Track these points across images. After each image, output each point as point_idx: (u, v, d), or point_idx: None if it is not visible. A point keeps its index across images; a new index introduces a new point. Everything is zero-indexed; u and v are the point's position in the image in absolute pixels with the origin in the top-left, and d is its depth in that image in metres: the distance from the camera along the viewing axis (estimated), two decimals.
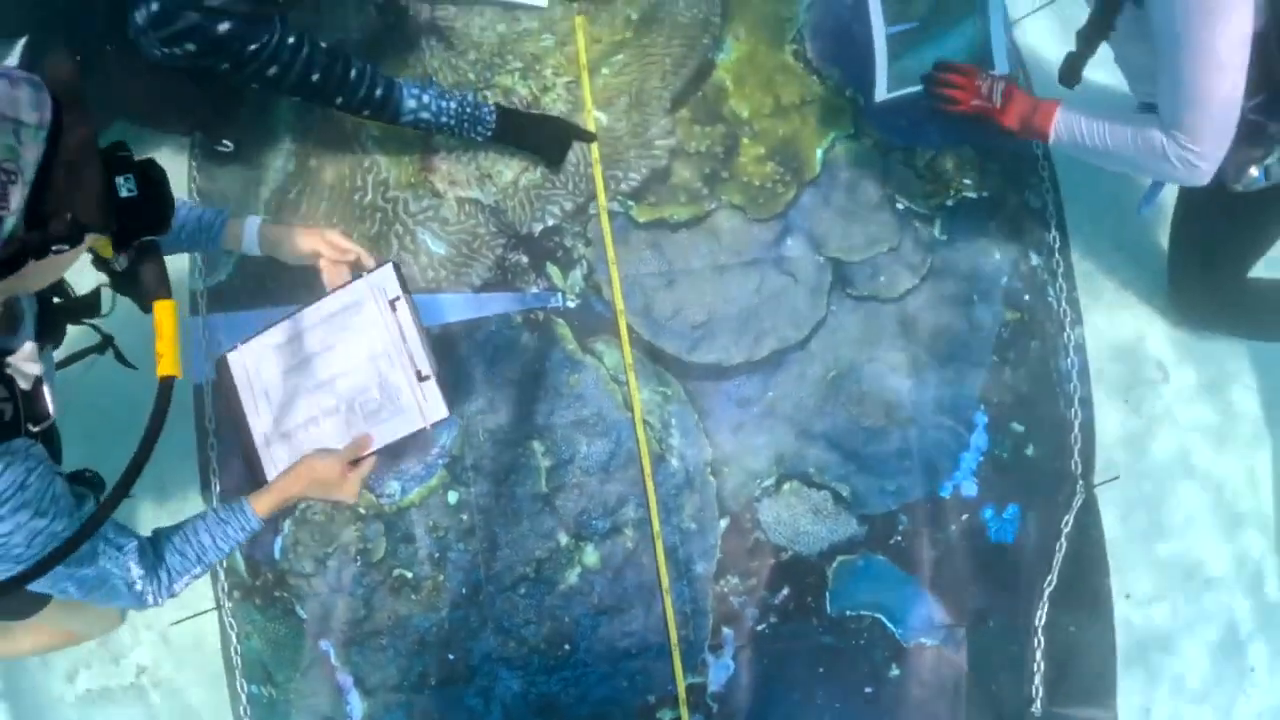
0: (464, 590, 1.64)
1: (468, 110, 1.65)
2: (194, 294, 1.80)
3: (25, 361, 0.95)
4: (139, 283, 0.93)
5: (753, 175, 1.77)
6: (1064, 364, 1.83)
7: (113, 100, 1.63)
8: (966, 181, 1.83)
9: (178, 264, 1.88)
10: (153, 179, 0.90)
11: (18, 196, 0.76)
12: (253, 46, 1.43)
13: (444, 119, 1.63)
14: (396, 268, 1.30)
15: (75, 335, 1.15)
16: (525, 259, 1.71)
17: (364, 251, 1.37)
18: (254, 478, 1.30)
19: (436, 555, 1.64)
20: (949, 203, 1.81)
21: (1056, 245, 1.88)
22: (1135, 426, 1.91)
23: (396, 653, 1.64)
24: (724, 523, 1.66)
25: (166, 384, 0.92)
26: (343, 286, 1.31)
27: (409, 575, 1.65)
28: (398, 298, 1.27)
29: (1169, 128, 1.33)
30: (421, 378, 1.25)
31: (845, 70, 1.85)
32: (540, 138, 1.70)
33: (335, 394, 1.28)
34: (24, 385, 0.93)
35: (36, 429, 0.96)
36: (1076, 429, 1.82)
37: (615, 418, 1.66)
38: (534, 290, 1.69)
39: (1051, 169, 1.91)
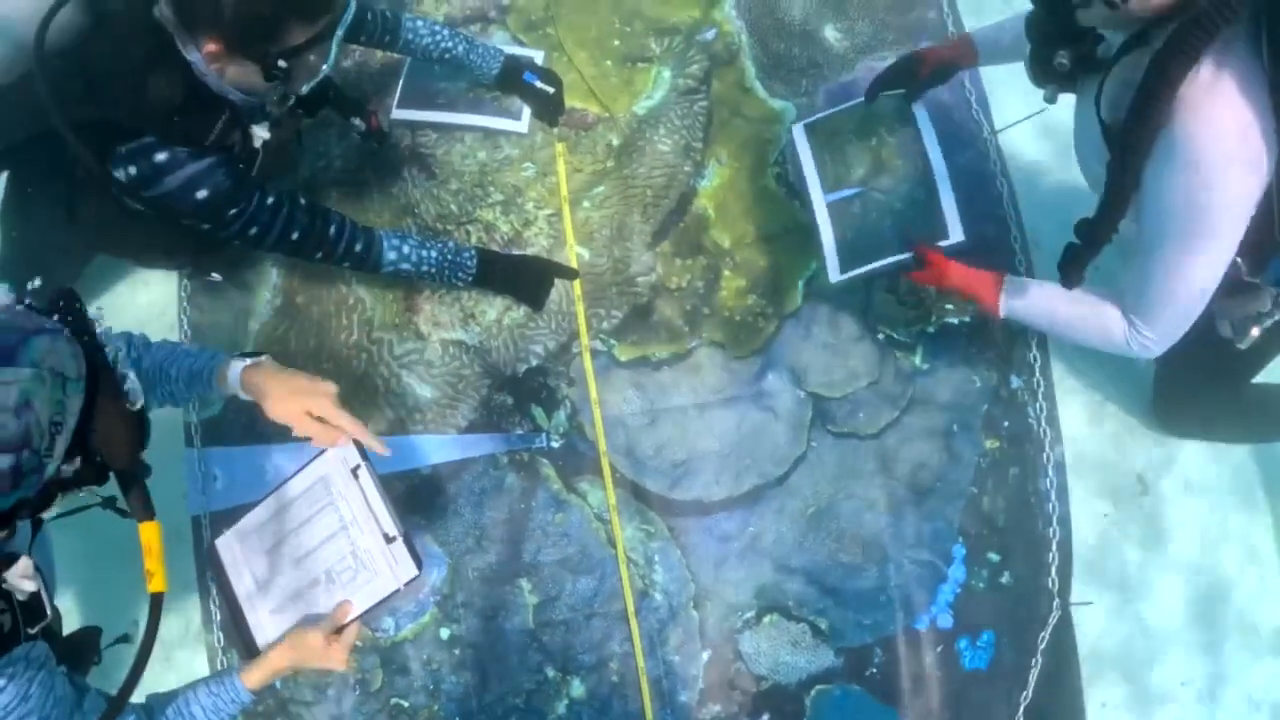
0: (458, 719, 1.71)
1: (448, 258, 1.66)
2: (189, 426, 1.84)
3: (21, 579, 0.99)
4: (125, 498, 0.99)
5: (734, 309, 1.78)
6: (1043, 484, 1.86)
7: (96, 240, 1.66)
8: (949, 306, 1.84)
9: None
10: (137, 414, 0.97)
11: (62, 445, 0.86)
12: (232, 210, 1.45)
13: (425, 268, 1.65)
14: (357, 443, 1.33)
15: None
16: (510, 400, 1.74)
17: (351, 423, 1.30)
18: (248, 650, 1.38)
19: (431, 687, 1.71)
20: (930, 329, 1.82)
21: (1038, 364, 1.89)
22: (1114, 539, 1.94)
23: None
24: (706, 654, 1.71)
25: (157, 599, 0.99)
26: (311, 461, 1.36)
27: (405, 704, 1.72)
28: (358, 466, 1.32)
29: (1129, 311, 1.32)
30: (389, 539, 1.31)
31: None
32: (522, 281, 1.72)
33: (316, 566, 1.36)
34: (21, 597, 0.99)
35: (35, 630, 1.01)
36: (1054, 547, 1.85)
37: (600, 555, 1.71)
38: (519, 431, 1.73)
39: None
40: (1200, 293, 1.24)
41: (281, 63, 1.30)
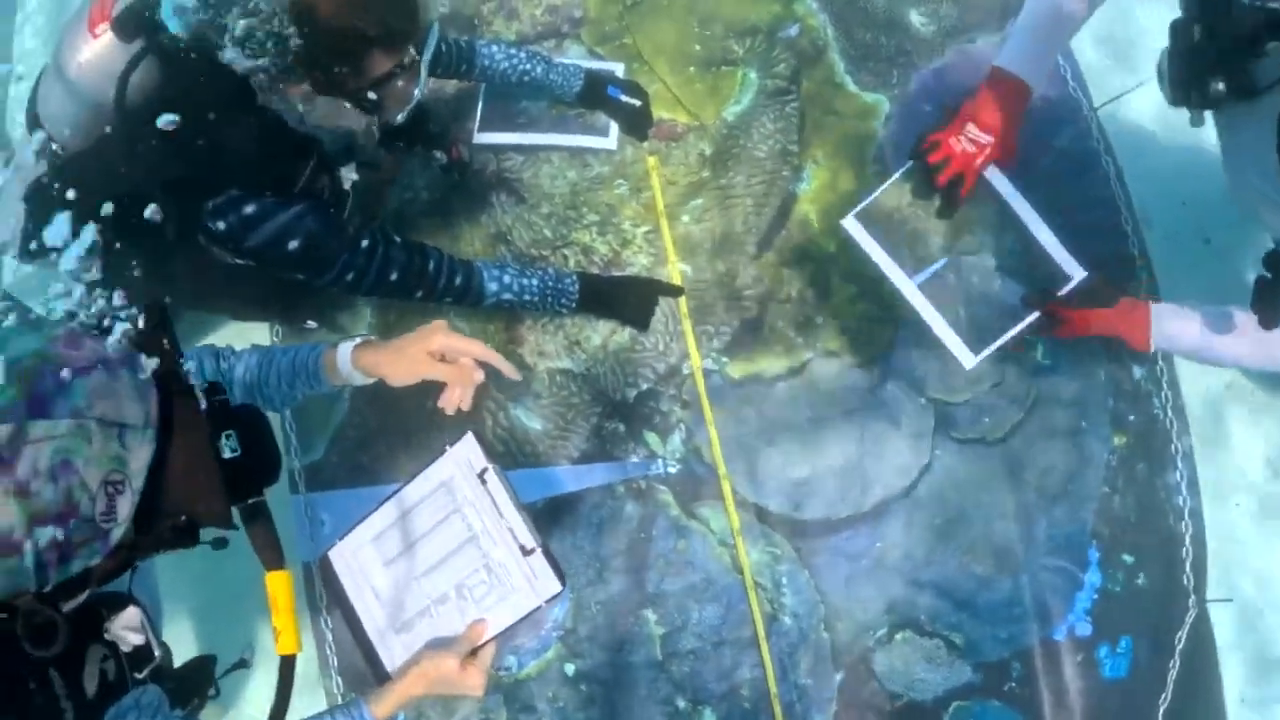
0: None
1: (549, 284, 1.61)
2: (291, 473, 1.81)
3: (126, 630, 0.90)
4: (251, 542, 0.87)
5: (847, 317, 1.71)
6: (1172, 477, 1.78)
7: (189, 297, 1.62)
8: None
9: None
10: (256, 430, 0.84)
11: (127, 506, 0.71)
12: (327, 257, 1.40)
13: (527, 297, 1.60)
14: (478, 436, 1.22)
15: None
16: (622, 427, 1.69)
17: (476, 346, 1.22)
18: (375, 674, 1.27)
19: None
20: (1112, 287, 1.74)
21: (1159, 352, 1.81)
22: (1246, 529, 1.87)
23: None
24: (839, 676, 1.66)
25: (288, 663, 0.89)
26: (430, 465, 1.24)
27: None
28: (485, 469, 1.19)
29: None
30: (526, 552, 1.18)
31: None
32: (626, 302, 1.66)
33: (443, 580, 1.23)
34: (126, 649, 0.90)
35: (143, 675, 0.92)
36: (1187, 542, 1.78)
37: (725, 581, 1.66)
38: (634, 459, 1.68)
39: (1150, 268, 1.83)
40: None
41: (371, 94, 1.25)
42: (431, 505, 1.23)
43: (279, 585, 0.85)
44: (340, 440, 1.75)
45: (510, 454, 1.68)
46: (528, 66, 1.68)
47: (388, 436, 1.73)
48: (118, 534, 0.71)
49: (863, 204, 1.62)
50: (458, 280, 1.52)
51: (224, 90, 1.24)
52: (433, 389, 1.68)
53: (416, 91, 1.30)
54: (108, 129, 1.29)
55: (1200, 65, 1.19)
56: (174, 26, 1.20)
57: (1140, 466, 1.74)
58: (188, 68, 1.24)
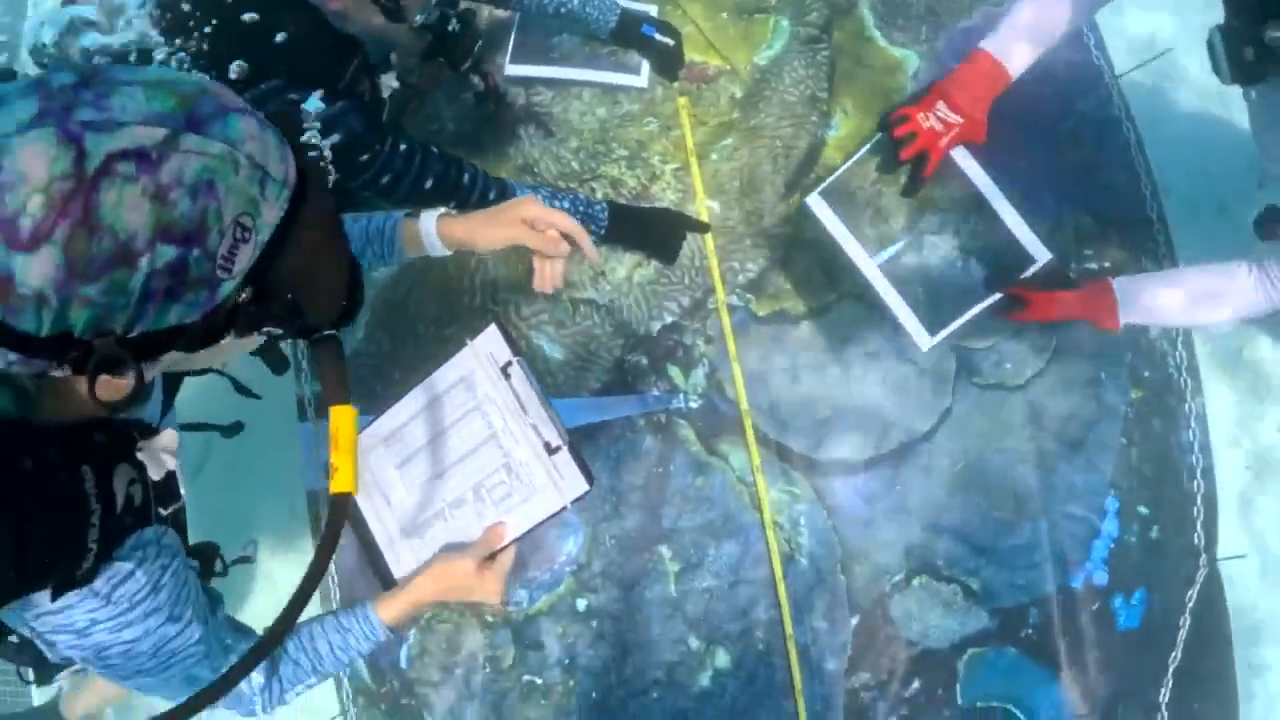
0: (595, 695, 1.63)
1: (580, 209, 1.60)
2: (300, 400, 1.77)
3: (164, 452, 0.84)
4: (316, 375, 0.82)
5: None
6: (1185, 436, 1.80)
7: None
8: (1087, 252, 1.78)
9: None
10: (355, 267, 0.79)
11: (245, 258, 0.65)
12: (365, 156, 1.38)
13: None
14: (502, 328, 1.16)
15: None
16: (645, 360, 1.67)
17: (567, 219, 1.14)
18: (384, 584, 1.20)
19: (567, 661, 1.63)
20: (1071, 275, 1.77)
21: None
22: (1258, 492, 1.88)
23: None
24: (855, 619, 1.64)
25: (341, 501, 0.81)
26: (447, 361, 1.18)
27: (539, 681, 1.64)
28: (509, 363, 1.13)
29: (1275, 273, 1.32)
30: (552, 450, 1.11)
31: None
32: (654, 233, 1.65)
33: (460, 482, 1.16)
34: (155, 476, 0.83)
35: (166, 512, 0.85)
36: (1199, 501, 1.79)
37: (744, 519, 1.64)
38: (655, 392, 1.66)
39: (1167, 232, 1.86)
40: None
41: None
42: (450, 403, 1.17)
43: (343, 420, 0.79)
44: (355, 367, 1.71)
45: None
46: None
47: (403, 364, 1.70)
48: (227, 289, 0.65)
49: (826, 182, 1.56)
50: (491, 195, 1.50)
51: None
52: (450, 315, 1.66)
53: None
54: None
55: (1251, 38, 1.22)
56: None
57: (1155, 422, 1.75)
58: None
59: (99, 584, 0.77)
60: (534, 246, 1.13)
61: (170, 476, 0.86)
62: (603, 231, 1.62)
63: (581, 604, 1.64)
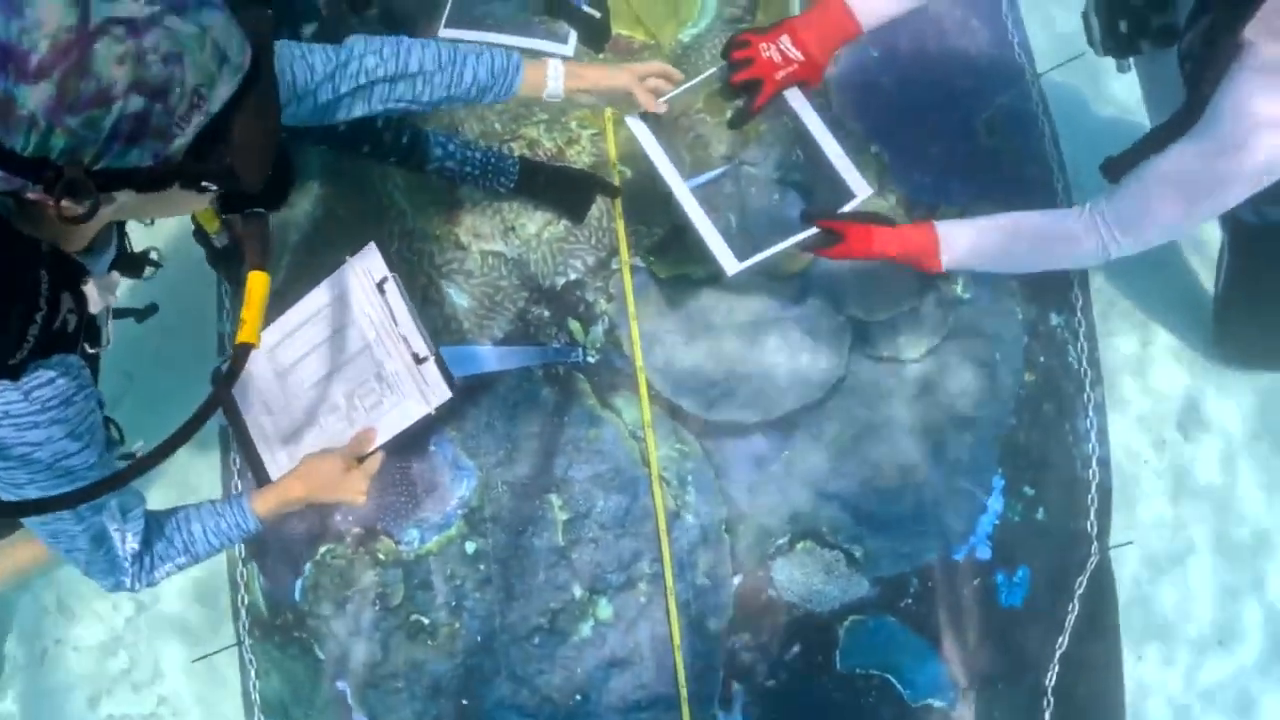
0: (479, 638, 1.66)
1: (492, 161, 1.67)
2: (221, 336, 1.83)
3: (105, 290, 0.95)
4: (235, 255, 0.96)
5: None
6: (1082, 424, 1.83)
7: None
8: None
9: (207, 307, 1.94)
10: (284, 159, 0.95)
11: (197, 121, 0.79)
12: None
13: (468, 169, 1.65)
14: (381, 246, 1.25)
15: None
16: (547, 313, 1.72)
17: (659, 67, 1.36)
18: (258, 483, 1.30)
19: (453, 603, 1.67)
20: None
21: (1079, 304, 1.87)
22: (1154, 486, 1.90)
23: (411, 696, 1.67)
24: (737, 580, 1.67)
25: (243, 349, 0.96)
26: (328, 276, 1.28)
27: (426, 621, 1.68)
28: (385, 279, 1.23)
29: (1110, 216, 1.30)
30: (419, 360, 1.21)
31: (870, 124, 1.84)
32: (563, 191, 1.71)
33: (334, 390, 1.25)
34: (92, 309, 0.94)
35: (91, 351, 0.97)
36: (1093, 490, 1.82)
37: (633, 473, 1.68)
38: (555, 345, 1.71)
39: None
40: (1199, 223, 1.25)
41: None
42: (328, 315, 1.26)
43: (257, 283, 0.95)
44: (272, 310, 1.78)
45: (437, 329, 1.69)
46: None
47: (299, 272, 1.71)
48: (179, 144, 0.79)
49: (665, 97, 1.46)
50: (404, 139, 1.57)
51: None
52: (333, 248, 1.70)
53: None
54: None
55: (1125, 10, 1.26)
56: None
57: (1047, 406, 1.79)
58: None
59: (24, 380, 0.88)
60: (640, 99, 1.36)
61: (101, 318, 0.97)
62: (512, 184, 1.68)
63: (470, 547, 1.68)
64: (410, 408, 1.22)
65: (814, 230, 1.42)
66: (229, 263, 1.01)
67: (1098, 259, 1.34)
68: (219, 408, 0.95)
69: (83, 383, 0.95)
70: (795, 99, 1.41)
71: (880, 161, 1.83)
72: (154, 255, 1.10)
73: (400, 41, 1.19)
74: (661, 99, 1.37)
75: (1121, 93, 2.04)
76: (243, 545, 1.76)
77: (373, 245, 1.27)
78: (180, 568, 1.15)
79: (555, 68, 1.26)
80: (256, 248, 0.96)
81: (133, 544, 1.07)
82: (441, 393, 1.22)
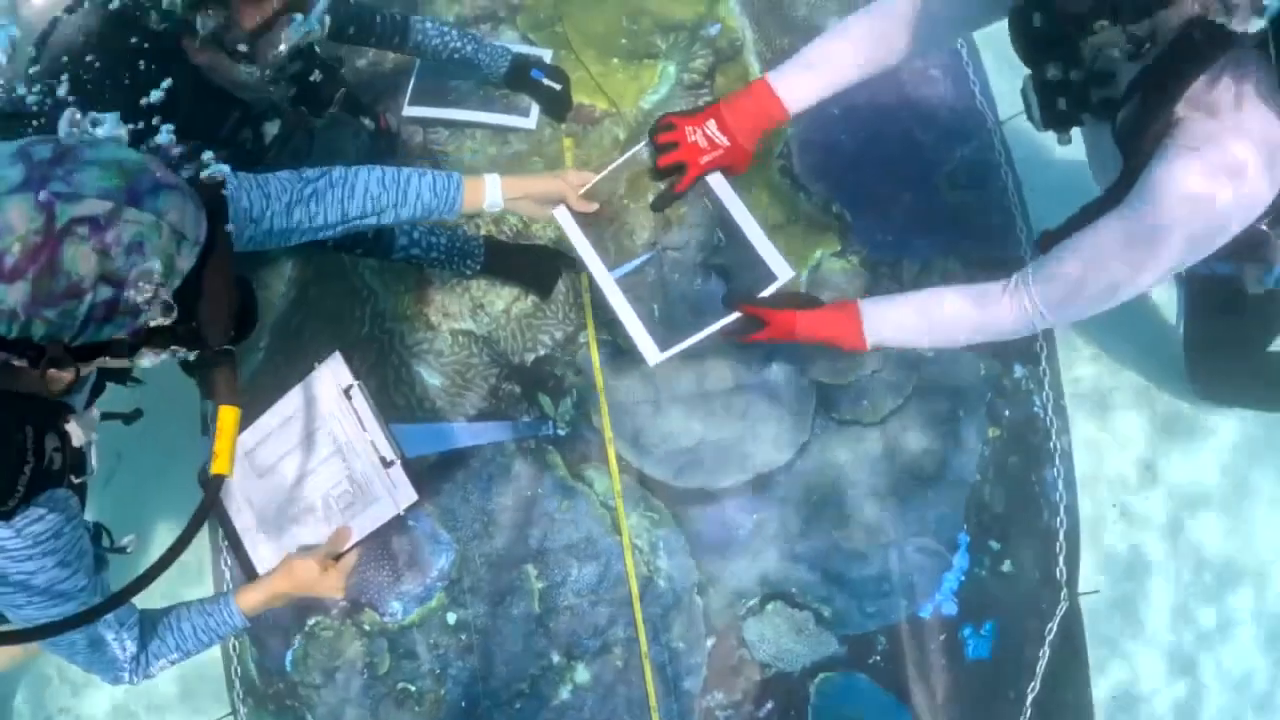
0: (464, 703, 1.73)
1: (457, 245, 1.71)
2: (204, 416, 1.89)
3: (86, 427, 1.04)
4: (208, 381, 1.01)
5: None
6: (1049, 473, 1.86)
7: None
8: None
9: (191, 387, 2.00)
10: (246, 295, 1.02)
11: (162, 299, 0.89)
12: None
13: (434, 254, 1.69)
14: (346, 356, 1.33)
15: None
16: (517, 388, 1.77)
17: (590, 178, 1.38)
18: (246, 575, 1.38)
19: (438, 671, 1.73)
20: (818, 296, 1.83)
21: (1044, 353, 1.89)
22: (1122, 530, 1.93)
23: None
24: (710, 641, 1.72)
25: (217, 480, 1.02)
26: (299, 383, 1.36)
27: (412, 689, 1.74)
28: (350, 386, 1.31)
29: (1035, 290, 1.26)
30: (386, 464, 1.29)
31: (832, 185, 1.87)
32: (528, 269, 1.75)
33: (311, 491, 1.34)
34: (76, 443, 1.03)
35: (77, 481, 1.05)
36: (1061, 537, 1.85)
37: (605, 542, 1.73)
38: (526, 419, 1.75)
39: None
40: (1124, 298, 1.23)
41: (241, 46, 1.34)
42: (301, 419, 1.33)
43: (227, 417, 1.01)
44: (255, 388, 1.83)
45: (410, 408, 1.76)
46: (458, 44, 1.78)
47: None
48: (147, 317, 0.89)
49: (589, 185, 1.46)
50: (369, 231, 1.61)
51: (156, 43, 1.34)
52: (341, 343, 1.76)
53: (282, 48, 1.37)
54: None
55: (1064, 88, 1.23)
56: None
57: (1013, 460, 1.82)
58: (121, 20, 1.34)
59: (16, 520, 0.98)
60: (571, 203, 1.40)
61: (83, 452, 1.05)
62: (479, 266, 1.72)
63: (451, 617, 1.74)
64: (380, 510, 1.30)
65: (736, 315, 1.38)
66: (197, 370, 1.07)
67: (1024, 331, 1.31)
68: (201, 527, 1.02)
69: (70, 514, 1.04)
70: (717, 182, 1.39)
71: (842, 221, 1.86)
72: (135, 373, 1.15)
73: (351, 169, 1.25)
74: (585, 187, 1.40)
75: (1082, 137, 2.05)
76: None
77: (338, 354, 1.33)
78: (174, 662, 1.23)
79: (493, 182, 1.31)
80: (225, 384, 1.01)
81: (131, 647, 1.17)
82: (408, 495, 1.28)
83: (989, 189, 1.95)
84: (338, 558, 1.31)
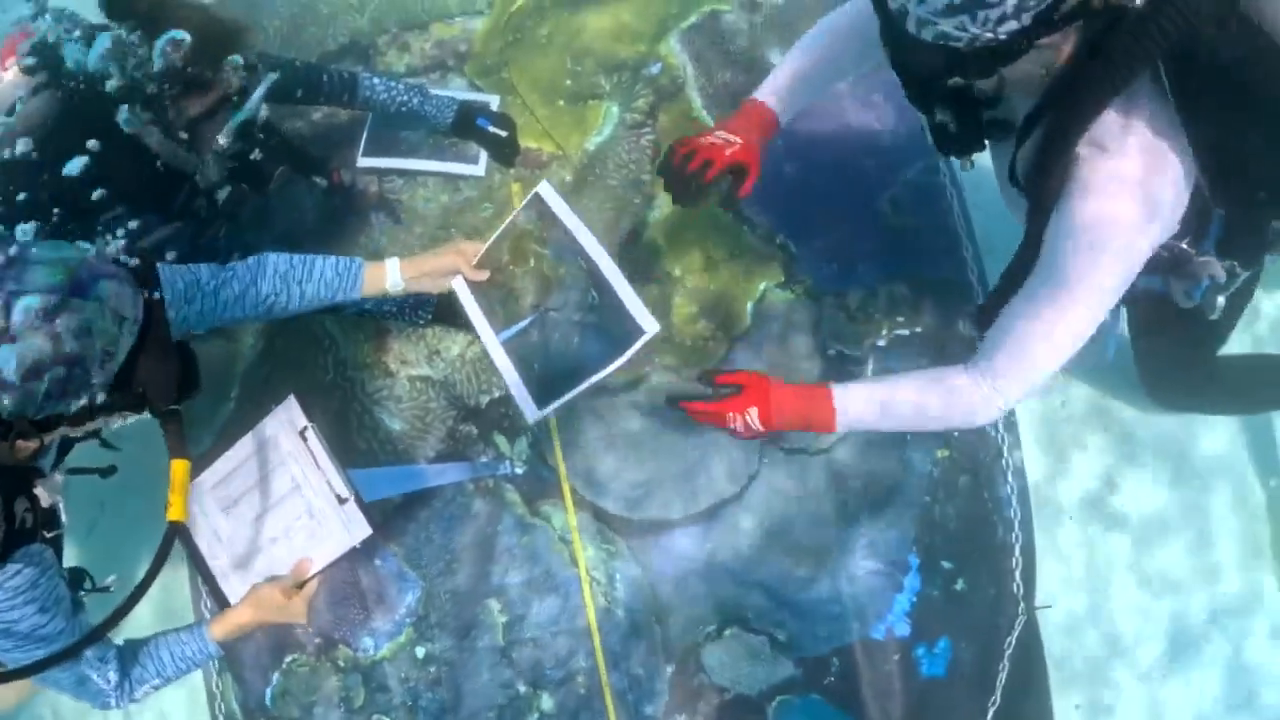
0: None
1: (410, 296, 1.76)
2: None
3: (50, 490, 1.18)
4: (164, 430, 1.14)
5: (685, 335, 1.84)
6: (1002, 490, 1.88)
7: None
8: (900, 319, 1.88)
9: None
10: (187, 360, 1.13)
11: (109, 372, 1.03)
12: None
13: (387, 306, 1.76)
14: (299, 399, 1.45)
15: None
16: (474, 430, 1.83)
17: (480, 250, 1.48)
18: (218, 605, 1.51)
19: (410, 703, 1.81)
20: (881, 342, 1.87)
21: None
22: (1078, 541, 1.95)
23: None
24: (670, 668, 1.78)
25: (173, 527, 1.15)
26: (258, 424, 1.48)
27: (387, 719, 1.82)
28: (305, 428, 1.43)
29: (986, 370, 1.27)
30: (341, 500, 1.41)
31: (774, 217, 1.91)
32: None
33: (273, 524, 1.46)
34: (44, 504, 1.17)
35: (50, 535, 1.20)
36: (1017, 552, 1.88)
37: (564, 575, 1.79)
38: (484, 459, 1.82)
39: (988, 294, 1.94)
40: (1071, 351, 1.22)
41: (183, 134, 1.45)
42: (262, 459, 1.46)
43: (179, 469, 1.13)
44: (229, 435, 1.91)
45: (373, 451, 1.83)
46: (405, 98, 1.84)
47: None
48: (97, 389, 1.03)
49: (479, 255, 1.53)
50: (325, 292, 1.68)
51: (112, 122, 1.42)
52: (306, 389, 1.83)
53: (222, 139, 1.46)
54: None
55: (930, 104, 1.20)
56: (92, 64, 1.37)
57: (964, 479, 1.85)
58: (84, 99, 1.42)
59: None
60: (466, 274, 1.50)
61: (54, 509, 1.20)
62: (430, 314, 1.79)
63: (420, 651, 1.81)
64: (337, 543, 1.41)
65: (610, 370, 1.40)
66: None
67: (991, 414, 1.30)
68: (161, 568, 1.14)
69: (45, 565, 1.18)
70: (586, 240, 1.44)
71: (786, 252, 1.89)
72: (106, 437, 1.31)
73: (265, 256, 1.39)
74: (477, 256, 1.49)
75: None
76: (217, 659, 1.93)
77: (292, 398, 1.45)
78: (156, 688, 1.38)
79: (393, 265, 1.43)
80: (174, 440, 1.13)
81: (113, 676, 1.32)
82: (362, 529, 1.39)
83: (934, 211, 1.97)
84: (301, 586, 1.44)
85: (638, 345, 1.38)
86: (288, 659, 1.84)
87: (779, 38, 2.03)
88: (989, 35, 1.00)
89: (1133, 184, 1.12)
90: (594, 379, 1.42)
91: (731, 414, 1.35)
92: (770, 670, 1.77)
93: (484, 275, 1.46)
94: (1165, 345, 1.75)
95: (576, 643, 1.78)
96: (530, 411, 1.44)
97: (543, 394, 1.46)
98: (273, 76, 1.46)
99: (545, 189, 1.45)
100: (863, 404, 1.34)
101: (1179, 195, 1.16)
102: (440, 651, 1.79)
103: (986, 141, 1.29)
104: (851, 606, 1.76)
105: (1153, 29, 0.99)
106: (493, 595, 1.80)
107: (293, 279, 1.38)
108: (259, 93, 1.43)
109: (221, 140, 1.42)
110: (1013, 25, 0.99)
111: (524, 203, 1.45)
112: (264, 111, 1.46)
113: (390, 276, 1.42)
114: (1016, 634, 1.85)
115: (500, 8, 2.07)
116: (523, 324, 1.46)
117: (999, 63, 1.04)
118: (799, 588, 1.77)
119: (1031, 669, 1.86)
